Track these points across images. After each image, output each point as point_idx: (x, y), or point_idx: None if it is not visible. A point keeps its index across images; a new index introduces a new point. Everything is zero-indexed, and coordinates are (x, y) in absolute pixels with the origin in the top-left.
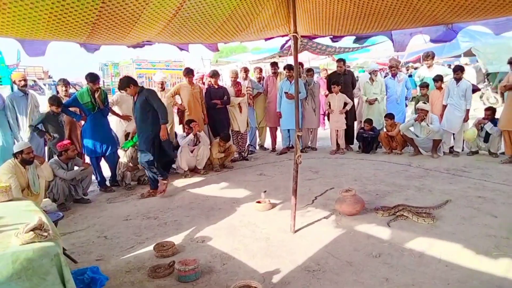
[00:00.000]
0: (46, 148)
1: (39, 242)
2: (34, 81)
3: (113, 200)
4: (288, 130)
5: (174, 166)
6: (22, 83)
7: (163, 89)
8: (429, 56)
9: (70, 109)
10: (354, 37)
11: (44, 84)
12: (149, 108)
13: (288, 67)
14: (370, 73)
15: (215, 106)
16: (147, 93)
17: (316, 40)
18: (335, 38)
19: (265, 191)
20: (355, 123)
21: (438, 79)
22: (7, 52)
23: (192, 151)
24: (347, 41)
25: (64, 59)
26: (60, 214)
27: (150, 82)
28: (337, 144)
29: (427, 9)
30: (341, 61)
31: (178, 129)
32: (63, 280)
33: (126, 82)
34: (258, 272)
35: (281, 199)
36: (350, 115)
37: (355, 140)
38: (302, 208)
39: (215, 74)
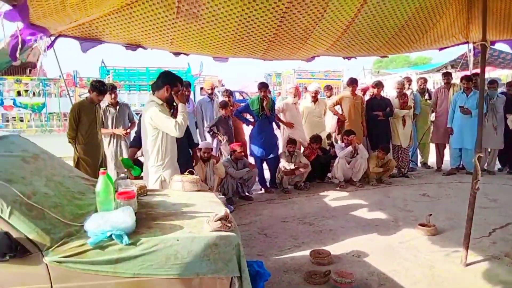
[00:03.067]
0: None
1: (225, 231)
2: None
3: (273, 201)
4: (460, 149)
5: (329, 175)
6: (210, 91)
7: (316, 99)
8: None
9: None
10: None
11: (218, 91)
12: None
13: (466, 78)
14: None
15: (376, 118)
16: None
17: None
18: None
19: (430, 215)
20: None
21: None
22: (193, 63)
23: (349, 163)
24: None
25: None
26: (231, 207)
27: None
28: None
29: None
30: None
31: (337, 138)
32: (240, 269)
33: None
34: None
35: (448, 225)
36: None
37: None
38: (476, 240)
39: (378, 85)
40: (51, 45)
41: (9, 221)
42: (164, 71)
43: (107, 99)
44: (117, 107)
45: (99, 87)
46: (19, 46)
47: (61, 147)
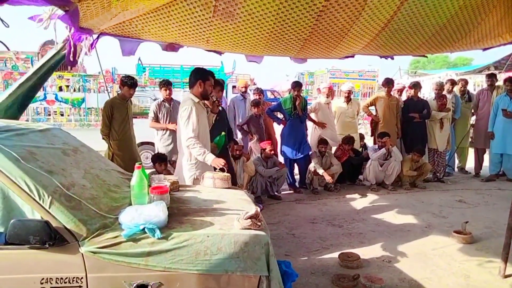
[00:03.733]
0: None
1: (254, 230)
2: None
3: (301, 201)
4: (501, 154)
5: (360, 177)
6: (243, 89)
7: (349, 99)
8: None
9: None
10: None
11: (250, 90)
12: None
13: (511, 80)
14: None
15: (412, 120)
16: None
17: None
18: None
19: (466, 222)
20: None
21: None
22: (226, 61)
23: (381, 165)
24: None
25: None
26: (261, 206)
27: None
28: None
29: None
30: None
31: (370, 141)
32: (269, 268)
33: None
34: None
35: (486, 234)
36: None
37: None
38: None
39: (416, 85)
40: (93, 44)
41: (49, 211)
42: (195, 68)
43: (162, 95)
44: (171, 103)
45: (129, 82)
46: (71, 49)
47: (99, 141)
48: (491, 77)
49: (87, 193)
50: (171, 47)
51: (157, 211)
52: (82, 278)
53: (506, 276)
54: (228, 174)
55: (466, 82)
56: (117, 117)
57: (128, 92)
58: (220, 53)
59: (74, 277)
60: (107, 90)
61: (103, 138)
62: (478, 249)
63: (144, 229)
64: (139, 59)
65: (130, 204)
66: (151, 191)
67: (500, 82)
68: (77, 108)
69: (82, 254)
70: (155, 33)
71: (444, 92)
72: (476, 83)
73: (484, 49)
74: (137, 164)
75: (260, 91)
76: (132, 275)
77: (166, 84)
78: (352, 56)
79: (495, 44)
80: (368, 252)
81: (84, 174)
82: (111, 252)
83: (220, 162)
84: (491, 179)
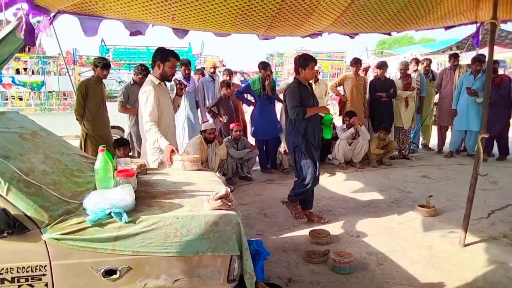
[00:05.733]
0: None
1: (225, 210)
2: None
3: (272, 182)
4: (464, 131)
5: (330, 156)
6: (212, 70)
7: (317, 79)
8: None
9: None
10: None
11: (219, 71)
12: None
13: (478, 59)
14: None
15: (379, 99)
16: None
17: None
18: None
19: (430, 196)
20: None
21: None
22: (194, 42)
23: (350, 144)
24: None
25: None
26: (232, 187)
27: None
28: None
29: None
30: None
31: (338, 120)
32: (240, 248)
33: None
34: (419, 280)
35: (448, 206)
36: None
37: None
38: (475, 221)
39: (383, 65)
40: (50, 22)
41: (6, 198)
42: (157, 48)
43: (135, 78)
44: None
45: (101, 63)
46: (24, 27)
47: (61, 126)
48: (455, 57)
49: (48, 179)
50: (138, 32)
51: (124, 195)
52: (45, 266)
53: (466, 245)
54: (198, 156)
55: (430, 62)
56: (91, 98)
57: (102, 73)
58: (186, 31)
59: (37, 266)
60: (68, 72)
61: (77, 119)
62: (441, 221)
63: (110, 213)
64: (102, 40)
65: (95, 189)
66: (116, 174)
67: (461, 62)
68: (36, 92)
69: (44, 241)
70: (118, 10)
71: (409, 72)
72: (439, 63)
73: (447, 28)
74: (100, 147)
75: (229, 72)
76: (99, 260)
77: (145, 74)
78: (320, 34)
79: (457, 22)
80: (338, 228)
81: (44, 159)
82: (76, 238)
83: (168, 150)
84: (451, 155)
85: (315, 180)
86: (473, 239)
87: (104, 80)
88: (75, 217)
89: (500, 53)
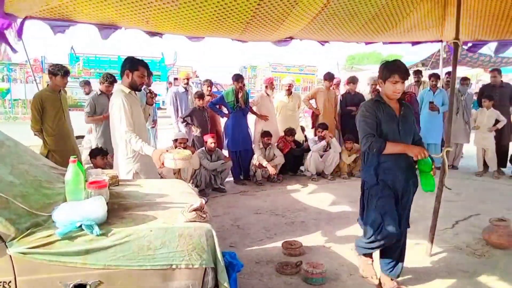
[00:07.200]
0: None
1: (199, 222)
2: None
3: (246, 193)
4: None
5: (302, 168)
6: (185, 81)
7: (290, 92)
8: None
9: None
10: None
11: (193, 82)
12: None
13: (435, 76)
14: None
15: (350, 113)
16: None
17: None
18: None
19: None
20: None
21: None
22: (167, 53)
23: (321, 156)
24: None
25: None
26: (205, 199)
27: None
28: (485, 165)
29: None
30: (495, 71)
31: (310, 132)
32: (215, 260)
33: None
34: None
35: (414, 217)
36: (504, 134)
37: (508, 164)
38: (440, 231)
39: (353, 80)
40: (19, 28)
41: None
42: (126, 57)
43: (102, 88)
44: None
45: (61, 70)
46: None
47: (27, 135)
48: (417, 74)
49: (15, 190)
50: (106, 28)
51: (95, 207)
52: (10, 282)
53: (432, 255)
54: (190, 152)
55: None
56: (49, 111)
57: (62, 82)
58: (160, 35)
59: (0, 282)
60: (35, 80)
61: (35, 135)
62: (408, 231)
63: (81, 226)
64: (72, 47)
65: (65, 201)
66: (88, 186)
67: (425, 78)
68: (1, 99)
69: (10, 256)
70: (90, 13)
71: (378, 87)
72: None
73: (413, 44)
74: (72, 158)
75: (210, 82)
76: (69, 275)
77: (110, 82)
78: (290, 40)
79: (424, 38)
80: (310, 239)
81: (11, 169)
82: (44, 252)
83: (158, 154)
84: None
85: (389, 236)
86: (439, 249)
87: (73, 90)
88: (44, 230)
89: (463, 71)
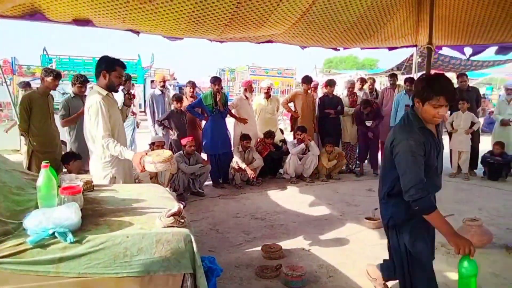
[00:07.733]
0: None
1: (177, 227)
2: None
3: (225, 197)
4: None
5: (281, 171)
6: (162, 83)
7: (269, 95)
8: None
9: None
10: (496, 48)
11: (170, 85)
12: None
13: (410, 80)
14: (508, 90)
15: (328, 115)
16: None
17: (442, 53)
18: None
19: (376, 209)
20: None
21: None
22: (143, 55)
23: (300, 159)
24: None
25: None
26: (183, 204)
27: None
28: (458, 167)
29: None
30: (463, 75)
31: (289, 135)
32: (193, 265)
33: None
34: None
35: None
36: (475, 137)
37: (479, 165)
38: None
39: (331, 83)
40: None
41: None
42: (101, 57)
43: (75, 90)
44: (84, 99)
45: (54, 72)
46: None
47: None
48: (393, 77)
49: None
50: (82, 22)
51: (69, 213)
52: None
53: None
54: (170, 153)
55: (374, 81)
56: (37, 112)
57: (53, 84)
58: (137, 33)
59: None
60: (5, 82)
61: (21, 135)
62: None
63: (54, 233)
64: (44, 49)
65: (37, 207)
66: (61, 192)
67: (400, 82)
68: None
69: None
70: (63, 11)
71: (355, 90)
72: (382, 83)
73: (390, 49)
74: (44, 163)
75: (193, 85)
76: (41, 284)
77: (82, 82)
78: (271, 41)
79: (400, 44)
80: (290, 242)
81: None
82: (15, 261)
83: (138, 158)
84: None
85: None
86: None
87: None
88: (14, 238)
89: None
